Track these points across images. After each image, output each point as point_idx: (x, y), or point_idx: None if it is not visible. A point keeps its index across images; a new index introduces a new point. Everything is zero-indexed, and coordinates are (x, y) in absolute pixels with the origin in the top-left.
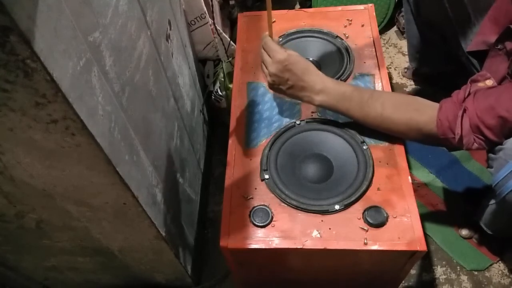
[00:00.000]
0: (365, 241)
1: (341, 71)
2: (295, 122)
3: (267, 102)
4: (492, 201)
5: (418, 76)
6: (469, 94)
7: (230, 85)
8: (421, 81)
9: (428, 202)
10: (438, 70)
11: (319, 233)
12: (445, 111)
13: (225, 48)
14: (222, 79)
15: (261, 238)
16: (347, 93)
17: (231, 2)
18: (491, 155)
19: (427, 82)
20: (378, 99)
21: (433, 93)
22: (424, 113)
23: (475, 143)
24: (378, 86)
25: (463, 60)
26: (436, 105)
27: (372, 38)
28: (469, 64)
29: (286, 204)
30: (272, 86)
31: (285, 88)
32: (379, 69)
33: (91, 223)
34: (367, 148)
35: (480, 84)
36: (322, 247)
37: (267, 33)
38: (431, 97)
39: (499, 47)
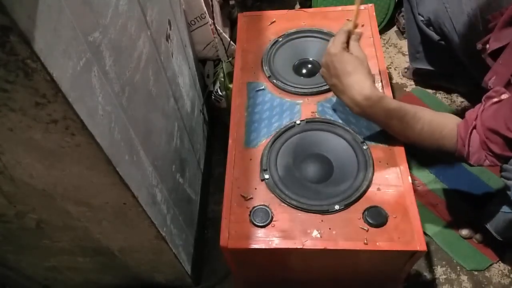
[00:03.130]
0: (365, 241)
1: None
2: (295, 122)
3: (267, 102)
4: (508, 210)
5: (418, 76)
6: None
7: (230, 85)
8: (421, 81)
9: (428, 202)
10: (439, 70)
11: (319, 233)
12: (460, 130)
13: (225, 48)
14: (222, 79)
15: (261, 238)
16: (387, 107)
17: (231, 2)
18: (506, 166)
19: (427, 82)
20: (418, 121)
21: (433, 93)
22: (452, 138)
23: (486, 160)
24: (378, 86)
25: (464, 60)
26: (453, 126)
27: (372, 38)
28: (470, 64)
29: (286, 204)
30: (322, 75)
31: (329, 84)
32: (379, 69)
33: (91, 223)
34: (367, 148)
35: (495, 99)
36: (322, 247)
37: (350, 21)
38: (431, 97)
39: None
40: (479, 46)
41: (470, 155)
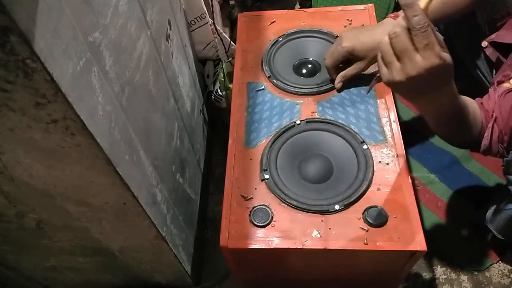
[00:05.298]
0: (365, 241)
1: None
2: (295, 122)
3: (267, 102)
4: (510, 206)
5: None
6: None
7: (230, 85)
8: None
9: (428, 202)
10: None
11: (319, 233)
12: (483, 121)
13: (225, 48)
14: (222, 79)
15: (261, 238)
16: (458, 113)
17: (231, 2)
18: (509, 161)
19: None
20: (474, 118)
21: None
22: (478, 127)
23: (498, 153)
24: (378, 86)
25: (466, 60)
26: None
27: None
28: (472, 65)
29: (286, 204)
30: (394, 85)
31: (411, 96)
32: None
33: (91, 223)
34: (367, 148)
35: (506, 85)
36: (322, 247)
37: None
38: None
39: None
40: (484, 43)
41: (493, 146)
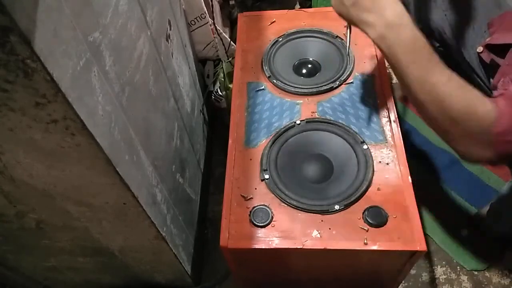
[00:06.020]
0: (365, 241)
1: (341, 71)
2: (295, 122)
3: (267, 102)
4: None
5: None
6: None
7: (230, 85)
8: None
9: (428, 202)
10: None
11: (319, 233)
12: (505, 108)
13: (225, 48)
14: (222, 79)
15: (261, 238)
16: (421, 43)
17: (231, 2)
18: None
19: None
20: (446, 68)
21: None
22: (485, 104)
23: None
24: (378, 86)
25: (464, 66)
26: (490, 100)
27: None
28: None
29: (286, 204)
30: (335, 1)
31: (349, 4)
32: (379, 69)
33: (91, 223)
34: (367, 148)
35: None
36: (322, 247)
37: None
38: None
39: None
40: (480, 48)
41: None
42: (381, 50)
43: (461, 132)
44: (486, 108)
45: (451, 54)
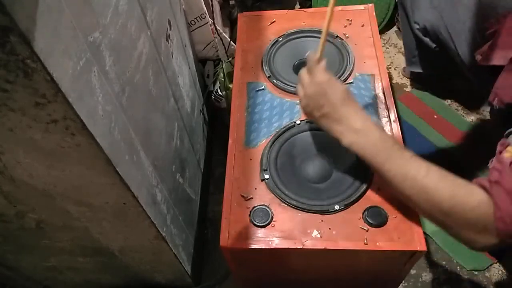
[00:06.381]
0: (365, 241)
1: (341, 71)
2: (295, 122)
3: (267, 102)
4: None
5: (415, 76)
6: None
7: (230, 85)
8: (417, 81)
9: None
10: (434, 73)
11: (319, 233)
12: (504, 204)
13: (225, 48)
14: (222, 79)
15: (261, 238)
16: (389, 142)
17: (231, 2)
18: None
19: (424, 84)
20: (423, 161)
21: (433, 93)
22: (473, 193)
23: None
24: (378, 86)
25: (461, 66)
26: (479, 189)
27: (372, 38)
28: (467, 69)
29: (286, 204)
30: (304, 109)
31: (318, 116)
32: (379, 69)
33: (91, 223)
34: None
35: (506, 155)
36: (322, 247)
37: (315, 53)
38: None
39: None
40: (478, 57)
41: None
42: (356, 154)
43: (456, 222)
44: (476, 198)
45: (447, 54)
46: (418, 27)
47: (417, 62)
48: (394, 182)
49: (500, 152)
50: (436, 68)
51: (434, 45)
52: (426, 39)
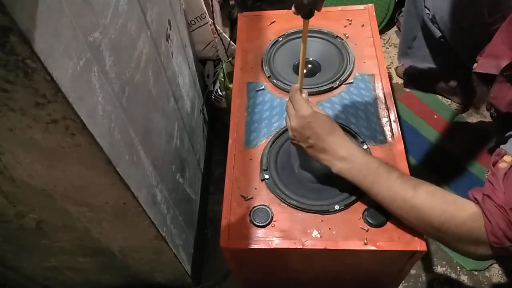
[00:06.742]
0: (365, 241)
1: (341, 71)
2: None
3: (267, 102)
4: None
5: (408, 77)
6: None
7: (230, 85)
8: (411, 81)
9: None
10: (428, 67)
11: (319, 233)
12: (494, 218)
13: (225, 48)
14: (222, 79)
15: (261, 238)
16: (374, 165)
17: (231, 2)
18: None
19: (418, 83)
20: (409, 181)
21: (432, 92)
22: (463, 208)
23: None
24: (378, 86)
25: (464, 59)
26: (471, 203)
27: (372, 38)
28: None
29: (286, 204)
30: (292, 140)
31: (305, 146)
32: (379, 69)
33: (91, 223)
34: (367, 148)
35: (501, 165)
36: (322, 247)
37: (296, 85)
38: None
39: (506, 74)
40: (478, 58)
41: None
42: (346, 179)
43: (449, 236)
44: (467, 212)
45: (451, 46)
46: (428, 12)
47: (411, 54)
48: (384, 204)
49: (495, 163)
50: (430, 62)
51: (440, 34)
52: (434, 27)
